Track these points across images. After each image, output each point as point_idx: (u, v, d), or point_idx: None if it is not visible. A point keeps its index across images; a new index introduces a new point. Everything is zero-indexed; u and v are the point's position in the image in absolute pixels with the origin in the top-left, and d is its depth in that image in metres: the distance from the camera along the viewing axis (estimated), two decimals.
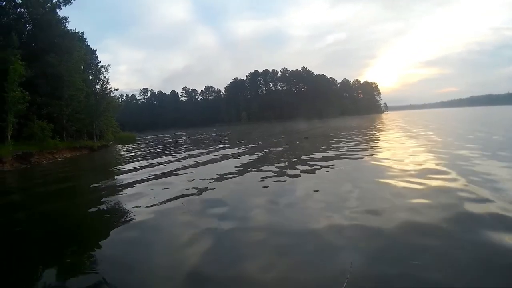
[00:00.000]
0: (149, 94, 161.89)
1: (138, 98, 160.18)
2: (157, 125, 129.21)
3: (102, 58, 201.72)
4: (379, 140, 18.53)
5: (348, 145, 17.01)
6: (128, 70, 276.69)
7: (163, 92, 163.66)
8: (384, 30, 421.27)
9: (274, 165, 11.88)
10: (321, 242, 4.59)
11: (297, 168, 10.85)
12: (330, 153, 14.06)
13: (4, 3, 26.29)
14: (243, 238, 5.03)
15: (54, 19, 29.36)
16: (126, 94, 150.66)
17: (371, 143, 17.57)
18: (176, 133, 67.00)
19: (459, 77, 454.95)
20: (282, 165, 12.11)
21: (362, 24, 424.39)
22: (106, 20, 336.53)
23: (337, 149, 15.64)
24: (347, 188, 7.54)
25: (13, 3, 27.18)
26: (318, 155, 13.81)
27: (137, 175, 12.16)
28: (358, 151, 14.56)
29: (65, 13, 33.21)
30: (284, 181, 9.16)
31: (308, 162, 11.91)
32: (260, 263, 4.15)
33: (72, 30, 34.48)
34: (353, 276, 3.46)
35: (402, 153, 12.12)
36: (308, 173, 10.01)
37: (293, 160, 13.46)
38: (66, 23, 32.26)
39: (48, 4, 29.49)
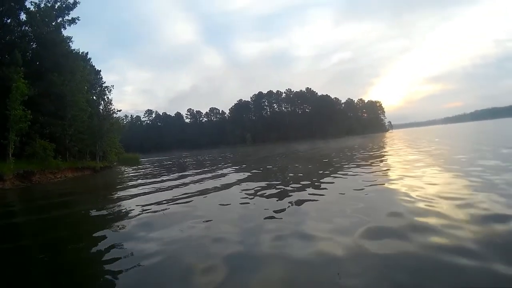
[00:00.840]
0: (153, 116, 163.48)
1: (142, 119, 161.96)
2: (162, 147, 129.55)
3: (109, 78, 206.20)
4: (376, 160, 17.92)
5: (342, 165, 16.37)
6: (134, 91, 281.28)
7: (168, 113, 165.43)
8: (388, 48, 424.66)
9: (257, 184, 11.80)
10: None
11: (278, 187, 10.65)
12: (321, 172, 13.60)
13: (9, 21, 26.36)
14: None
15: (58, 38, 29.35)
16: (131, 115, 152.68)
17: (368, 163, 16.90)
18: (179, 155, 66.67)
19: (463, 91, 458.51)
20: (266, 184, 11.86)
21: (366, 43, 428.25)
22: (113, 40, 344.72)
23: (331, 168, 15.22)
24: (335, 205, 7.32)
25: (18, 21, 27.23)
26: (311, 175, 13.19)
27: (138, 196, 11.78)
28: (353, 168, 14.10)
29: (72, 33, 33.35)
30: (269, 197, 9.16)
31: (295, 182, 11.44)
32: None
33: (76, 50, 34.57)
34: None
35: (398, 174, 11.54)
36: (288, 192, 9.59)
37: (281, 180, 13.04)
38: (70, 43, 32.34)
39: (53, 23, 29.56)
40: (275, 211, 7.23)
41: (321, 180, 11.25)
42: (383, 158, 18.71)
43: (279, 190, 10.17)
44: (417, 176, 10.11)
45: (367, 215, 6.11)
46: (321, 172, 13.95)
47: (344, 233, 5.18)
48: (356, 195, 8.20)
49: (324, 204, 7.69)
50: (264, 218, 6.73)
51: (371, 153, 23.69)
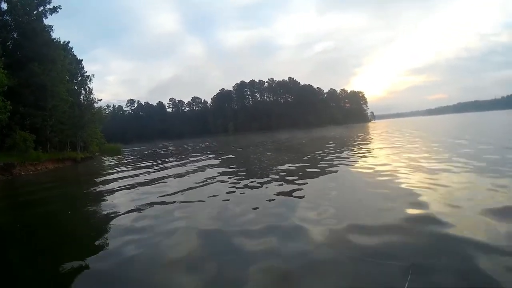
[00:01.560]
0: (136, 105, 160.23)
1: (125, 109, 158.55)
2: (144, 137, 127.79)
3: (92, 68, 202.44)
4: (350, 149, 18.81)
5: (315, 152, 17.60)
6: (116, 80, 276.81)
7: (150, 103, 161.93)
8: (372, 38, 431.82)
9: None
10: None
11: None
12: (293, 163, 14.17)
13: None
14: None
15: (39, 27, 28.81)
16: (113, 105, 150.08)
17: (337, 151, 17.76)
18: (161, 145, 66.92)
19: (447, 83, 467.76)
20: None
21: (350, 33, 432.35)
22: (96, 30, 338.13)
23: (302, 155, 16.57)
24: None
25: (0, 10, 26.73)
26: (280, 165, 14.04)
27: (117, 185, 12.24)
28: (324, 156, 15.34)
29: (54, 23, 32.70)
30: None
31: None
32: None
33: (57, 39, 33.89)
34: None
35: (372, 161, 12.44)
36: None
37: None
38: (51, 32, 31.77)
39: (35, 12, 29.00)
40: (246, 187, 8.84)
41: (289, 165, 12.66)
42: (353, 148, 19.68)
43: (252, 174, 11.47)
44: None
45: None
46: (292, 158, 15.99)
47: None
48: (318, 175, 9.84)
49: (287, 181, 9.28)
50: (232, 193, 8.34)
51: (343, 142, 24.83)
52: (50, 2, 29.99)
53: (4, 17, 27.29)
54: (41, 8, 29.71)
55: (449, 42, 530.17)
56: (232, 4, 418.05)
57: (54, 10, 30.21)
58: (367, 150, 17.18)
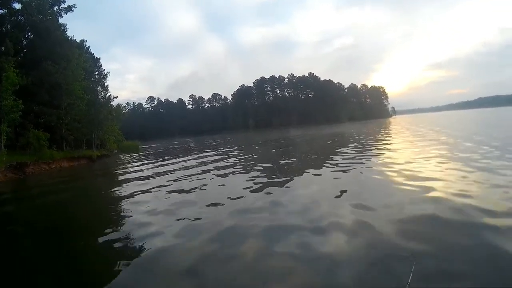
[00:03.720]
0: (155, 102, 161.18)
1: (144, 106, 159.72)
2: (164, 133, 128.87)
3: (112, 67, 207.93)
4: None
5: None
6: (136, 78, 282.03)
7: (170, 100, 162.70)
8: (391, 33, 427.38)
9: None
10: None
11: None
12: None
13: (1, 12, 25.74)
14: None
15: (53, 26, 28.80)
16: (133, 102, 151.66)
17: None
18: (181, 141, 67.55)
19: (467, 78, 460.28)
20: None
21: (369, 28, 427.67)
22: (115, 29, 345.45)
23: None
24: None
25: (11, 11, 26.67)
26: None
27: (126, 179, 13.23)
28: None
29: (74, 23, 33.32)
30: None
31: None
32: None
33: (71, 38, 33.93)
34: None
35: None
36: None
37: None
38: (66, 30, 31.85)
39: (49, 11, 29.07)
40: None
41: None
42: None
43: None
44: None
45: None
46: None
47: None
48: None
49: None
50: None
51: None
52: (65, 1, 30.02)
53: (18, 17, 27.32)
54: (56, 7, 29.75)
55: (468, 36, 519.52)
56: (250, 1, 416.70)
57: (69, 9, 30.31)
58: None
